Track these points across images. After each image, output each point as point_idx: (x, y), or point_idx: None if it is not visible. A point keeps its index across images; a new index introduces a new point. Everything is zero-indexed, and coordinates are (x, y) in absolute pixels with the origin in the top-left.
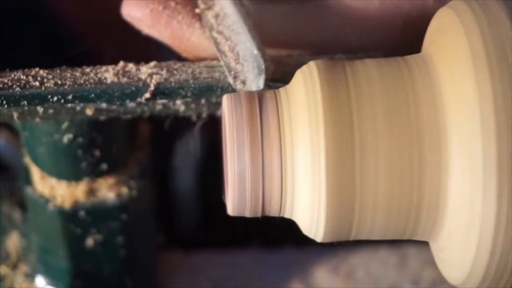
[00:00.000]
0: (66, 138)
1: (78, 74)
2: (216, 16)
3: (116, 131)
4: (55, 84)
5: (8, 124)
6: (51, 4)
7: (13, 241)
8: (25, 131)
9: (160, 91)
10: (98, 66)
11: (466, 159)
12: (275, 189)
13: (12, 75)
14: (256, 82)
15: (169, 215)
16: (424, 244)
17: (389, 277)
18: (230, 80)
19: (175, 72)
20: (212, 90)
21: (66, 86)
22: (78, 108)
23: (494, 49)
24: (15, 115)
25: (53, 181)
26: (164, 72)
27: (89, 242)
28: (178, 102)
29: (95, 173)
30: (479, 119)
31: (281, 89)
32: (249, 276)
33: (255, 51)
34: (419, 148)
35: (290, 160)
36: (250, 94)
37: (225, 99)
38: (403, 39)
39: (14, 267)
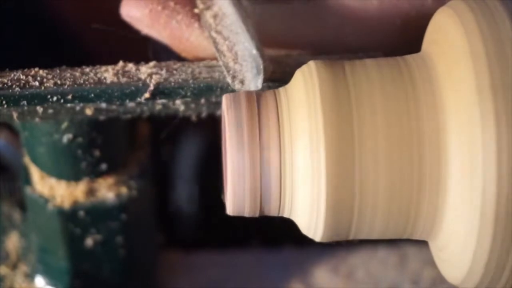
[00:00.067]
0: (66, 138)
1: (77, 74)
2: (215, 16)
3: (115, 131)
4: (55, 84)
5: (8, 124)
6: (51, 4)
7: (13, 241)
8: (24, 131)
9: (159, 91)
10: (98, 66)
11: (465, 159)
12: (274, 189)
13: (12, 75)
14: (254, 82)
15: (169, 215)
16: (424, 244)
17: (389, 277)
18: (229, 79)
19: (174, 72)
20: (211, 90)
21: (66, 86)
22: (77, 108)
23: (494, 49)
24: (15, 115)
25: (52, 181)
26: (163, 72)
27: (89, 242)
28: (178, 102)
29: (95, 173)
30: (479, 119)
31: (281, 89)
32: (249, 276)
33: (254, 51)
34: (418, 148)
35: (289, 160)
36: (249, 94)
37: (225, 99)
38: (402, 39)
39: (14, 267)
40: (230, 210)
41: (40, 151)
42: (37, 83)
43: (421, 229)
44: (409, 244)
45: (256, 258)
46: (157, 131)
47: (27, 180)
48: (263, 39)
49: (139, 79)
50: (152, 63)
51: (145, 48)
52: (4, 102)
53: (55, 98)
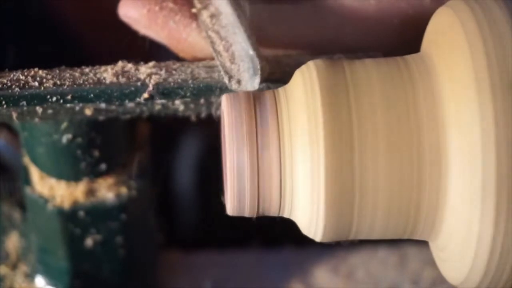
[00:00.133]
0: (65, 138)
1: (77, 74)
2: (212, 16)
3: (115, 131)
4: (54, 84)
5: (7, 124)
6: (51, 4)
7: (13, 241)
8: (24, 131)
9: (159, 91)
10: (97, 66)
11: (465, 159)
12: (274, 189)
13: (12, 75)
14: (251, 82)
15: (169, 215)
16: (424, 244)
17: (389, 277)
18: (226, 80)
19: (174, 72)
20: (211, 90)
21: (65, 86)
22: (77, 108)
23: (494, 49)
24: (14, 115)
25: (52, 181)
26: (163, 72)
27: (89, 242)
28: (177, 102)
29: (95, 173)
30: (479, 118)
31: (280, 89)
32: (249, 276)
33: (251, 51)
34: (418, 148)
35: (289, 160)
36: (249, 94)
37: (224, 99)
38: (401, 38)
39: (14, 267)
40: (230, 210)
41: (39, 151)
42: (36, 84)
43: (421, 229)
44: (409, 244)
45: (256, 258)
46: (157, 131)
47: (27, 180)
48: (263, 39)
49: (139, 79)
50: (151, 63)
51: (144, 48)
52: (3, 102)
53: (54, 99)
